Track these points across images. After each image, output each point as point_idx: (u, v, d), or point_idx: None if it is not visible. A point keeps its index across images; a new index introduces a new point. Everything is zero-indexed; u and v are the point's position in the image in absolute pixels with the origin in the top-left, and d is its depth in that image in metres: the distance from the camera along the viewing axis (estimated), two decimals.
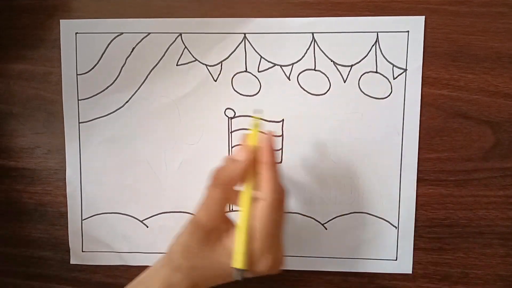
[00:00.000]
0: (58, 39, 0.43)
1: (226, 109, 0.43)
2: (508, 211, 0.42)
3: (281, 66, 0.42)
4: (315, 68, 0.42)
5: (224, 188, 0.34)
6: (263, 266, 0.34)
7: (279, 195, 0.33)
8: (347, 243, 0.43)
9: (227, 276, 0.35)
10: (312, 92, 0.42)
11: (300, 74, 0.42)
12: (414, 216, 0.42)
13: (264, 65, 0.42)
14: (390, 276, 0.43)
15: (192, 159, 0.42)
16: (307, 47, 0.42)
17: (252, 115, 0.38)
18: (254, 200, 0.34)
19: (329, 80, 0.42)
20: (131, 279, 0.36)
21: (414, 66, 0.41)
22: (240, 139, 0.36)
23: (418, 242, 0.43)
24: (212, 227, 0.34)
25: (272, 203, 0.33)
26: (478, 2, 0.40)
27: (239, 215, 0.34)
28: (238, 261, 0.33)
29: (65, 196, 0.44)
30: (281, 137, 0.43)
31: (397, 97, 0.42)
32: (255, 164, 0.34)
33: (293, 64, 0.42)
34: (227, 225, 0.35)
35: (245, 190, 0.35)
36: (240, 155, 0.35)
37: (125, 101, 0.43)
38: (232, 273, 0.34)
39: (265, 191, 0.33)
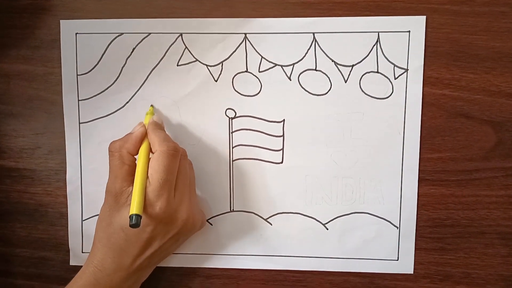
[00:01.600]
0: (58, 40, 0.43)
1: (226, 109, 0.43)
2: (510, 211, 0.42)
3: (282, 66, 0.42)
4: (316, 68, 0.42)
5: (119, 155, 0.37)
6: (158, 209, 0.35)
7: (168, 147, 0.36)
8: (348, 243, 0.43)
9: (133, 235, 0.36)
10: (313, 92, 0.42)
11: (301, 74, 0.42)
12: (415, 216, 0.42)
13: (265, 65, 0.42)
14: (391, 276, 0.43)
15: (193, 160, 0.42)
16: (308, 47, 0.41)
17: (150, 106, 0.43)
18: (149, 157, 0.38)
19: (330, 80, 0.42)
20: None
21: (415, 66, 0.41)
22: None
23: (419, 242, 0.43)
24: (120, 191, 0.36)
25: (162, 153, 0.36)
26: (479, 2, 0.40)
27: (136, 169, 0.37)
28: (133, 208, 0.34)
29: (65, 196, 0.44)
30: (282, 137, 0.42)
31: (398, 97, 0.41)
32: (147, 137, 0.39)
33: (294, 64, 0.42)
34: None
35: (141, 149, 0.38)
36: (133, 129, 0.40)
37: (126, 101, 0.43)
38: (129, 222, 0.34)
39: (155, 145, 0.37)
